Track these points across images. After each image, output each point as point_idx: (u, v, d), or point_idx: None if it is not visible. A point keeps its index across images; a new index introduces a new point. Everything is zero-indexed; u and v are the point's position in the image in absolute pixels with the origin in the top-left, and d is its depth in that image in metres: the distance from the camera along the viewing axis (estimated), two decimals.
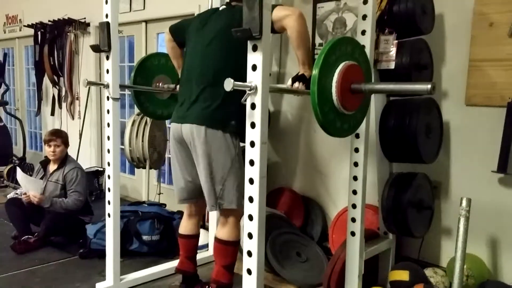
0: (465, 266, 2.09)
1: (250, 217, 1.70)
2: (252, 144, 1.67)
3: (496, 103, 2.39)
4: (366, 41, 2.14)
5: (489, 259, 2.49)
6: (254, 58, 1.63)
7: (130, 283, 2.59)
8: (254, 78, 1.63)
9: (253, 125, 1.66)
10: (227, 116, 2.09)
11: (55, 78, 5.33)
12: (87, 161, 5.16)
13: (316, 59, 1.70)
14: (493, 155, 2.38)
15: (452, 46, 2.58)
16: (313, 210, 3.19)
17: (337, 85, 1.74)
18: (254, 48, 1.62)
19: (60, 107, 5.48)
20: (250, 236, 1.70)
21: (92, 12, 4.81)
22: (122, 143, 3.39)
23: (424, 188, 2.46)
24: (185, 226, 2.42)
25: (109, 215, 2.46)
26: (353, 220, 2.26)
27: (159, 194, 3.83)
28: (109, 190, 2.44)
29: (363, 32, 2.17)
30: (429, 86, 1.62)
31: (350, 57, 1.82)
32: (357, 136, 2.21)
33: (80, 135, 5.17)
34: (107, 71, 2.35)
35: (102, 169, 4.82)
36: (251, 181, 1.68)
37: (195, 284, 2.44)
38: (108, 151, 2.41)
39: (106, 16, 2.28)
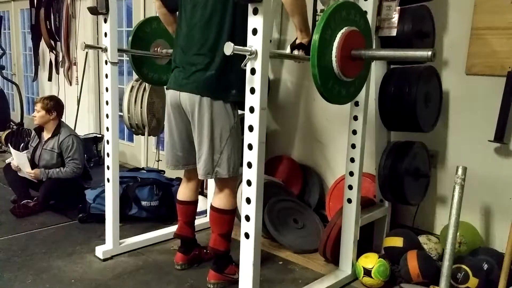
0: (458, 233, 2.13)
1: (249, 182, 1.72)
2: (252, 109, 1.67)
3: (497, 72, 2.38)
4: (368, 6, 2.10)
5: (482, 227, 2.53)
6: (254, 21, 1.60)
7: (129, 247, 2.63)
8: (255, 42, 1.61)
9: (252, 90, 1.66)
10: (228, 85, 2.07)
11: (52, 42, 5.26)
12: (85, 128, 5.16)
13: (317, 24, 1.68)
14: (490, 125, 2.39)
15: (455, 14, 2.54)
16: (311, 178, 3.22)
17: (337, 51, 1.72)
18: (255, 12, 1.59)
19: (58, 72, 5.43)
20: (248, 201, 1.72)
21: None
22: (121, 110, 3.38)
23: (421, 156, 2.48)
24: (183, 193, 2.43)
25: (108, 180, 2.48)
26: (350, 187, 2.29)
27: (158, 161, 3.85)
28: (108, 155, 2.45)
29: None
30: (429, 52, 1.61)
31: (351, 23, 1.80)
32: (356, 104, 2.21)
33: (78, 101, 5.15)
34: (105, 34, 2.32)
35: (100, 135, 4.82)
36: (250, 146, 1.69)
37: (193, 249, 2.48)
38: (107, 116, 2.40)
39: None
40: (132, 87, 3.45)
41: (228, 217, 2.24)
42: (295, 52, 2.00)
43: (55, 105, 3.32)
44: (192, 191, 2.43)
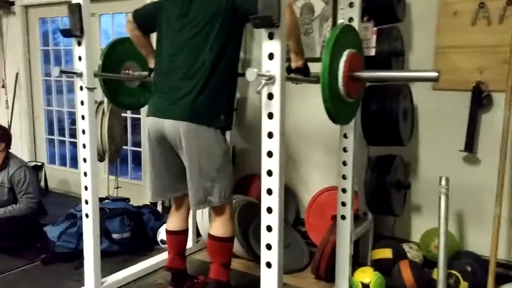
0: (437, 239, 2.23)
1: (269, 210, 1.67)
2: (270, 135, 1.62)
3: (462, 87, 2.57)
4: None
5: (456, 232, 2.70)
6: (271, 46, 1.57)
7: (111, 286, 2.40)
8: (272, 67, 1.58)
9: (270, 115, 1.61)
10: (216, 111, 2.00)
11: None
12: (18, 156, 4.69)
13: (325, 46, 1.70)
14: (459, 136, 2.57)
15: (419, 34, 2.71)
16: (285, 196, 3.19)
17: (343, 72, 1.75)
18: (271, 36, 1.56)
19: None
20: (269, 229, 1.67)
21: None
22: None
23: (401, 169, 2.59)
24: (173, 222, 2.29)
25: (87, 215, 2.26)
26: (343, 204, 2.32)
27: (117, 188, 3.61)
28: (86, 188, 2.23)
29: (350, 20, 2.20)
30: (436, 74, 1.71)
31: (351, 45, 1.84)
32: None
33: (9, 127, 4.68)
34: (80, 58, 2.12)
35: (40, 163, 4.43)
36: (270, 173, 1.64)
37: (185, 281, 2.34)
38: (84, 146, 2.20)
39: None
40: None
41: (229, 245, 2.16)
42: (292, 75, 2.00)
43: (3, 135, 3.00)
44: (183, 220, 2.30)
